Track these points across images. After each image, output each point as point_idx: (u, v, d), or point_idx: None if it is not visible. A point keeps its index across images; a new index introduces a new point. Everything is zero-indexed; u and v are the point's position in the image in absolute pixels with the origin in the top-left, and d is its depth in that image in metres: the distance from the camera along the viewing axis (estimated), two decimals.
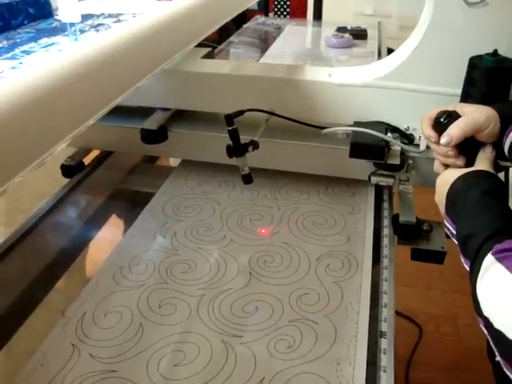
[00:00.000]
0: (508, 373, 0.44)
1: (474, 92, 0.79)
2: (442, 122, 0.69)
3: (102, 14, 1.35)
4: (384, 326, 0.69)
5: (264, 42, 2.04)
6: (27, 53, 0.95)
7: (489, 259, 0.51)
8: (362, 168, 0.92)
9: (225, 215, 0.95)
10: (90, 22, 1.18)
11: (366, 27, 1.89)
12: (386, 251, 0.83)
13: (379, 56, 1.60)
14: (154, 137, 0.99)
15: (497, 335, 0.46)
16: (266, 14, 2.66)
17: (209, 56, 1.09)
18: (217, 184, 1.04)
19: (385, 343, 0.67)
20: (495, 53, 0.77)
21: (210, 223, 0.93)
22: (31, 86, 0.43)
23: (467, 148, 0.68)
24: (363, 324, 0.71)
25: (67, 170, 1.09)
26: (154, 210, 0.97)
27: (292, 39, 1.99)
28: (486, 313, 0.48)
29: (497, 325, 0.46)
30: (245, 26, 2.25)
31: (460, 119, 0.68)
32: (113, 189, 1.14)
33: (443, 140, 0.68)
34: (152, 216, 0.96)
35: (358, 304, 0.74)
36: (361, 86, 0.90)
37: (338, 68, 0.96)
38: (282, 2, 3.20)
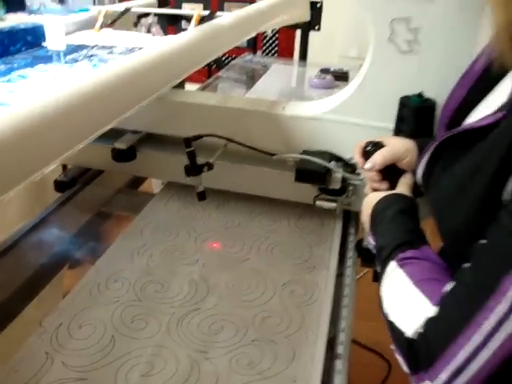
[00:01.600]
0: (398, 358, 0.53)
1: (403, 127, 0.89)
2: (369, 150, 0.80)
3: (96, 45, 1.46)
4: (340, 349, 0.75)
5: (251, 78, 2.15)
6: (23, 77, 1.06)
7: (392, 265, 0.60)
8: (308, 192, 1.01)
9: (199, 241, 1.01)
10: (84, 51, 1.29)
11: (349, 69, 1.98)
12: (347, 280, 0.89)
13: None
14: (124, 156, 1.09)
15: (391, 326, 0.54)
16: (254, 52, 2.78)
17: (178, 86, 1.20)
18: (195, 210, 1.11)
19: (339, 364, 0.73)
20: (420, 94, 0.87)
21: (185, 247, 0.99)
22: (30, 115, 0.51)
23: (390, 174, 0.78)
24: (320, 346, 0.76)
25: (59, 186, 1.18)
26: (133, 232, 1.04)
27: (277, 78, 2.09)
28: (385, 309, 0.57)
29: (391, 317, 0.55)
30: (232, 62, 2.37)
31: (383, 149, 0.78)
32: (97, 209, 1.22)
33: (367, 165, 0.78)
34: (131, 238, 1.02)
35: (318, 328, 0.79)
36: (309, 119, 1.01)
37: (292, 102, 1.06)
38: (270, 41, 3.35)
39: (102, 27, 1.24)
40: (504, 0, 0.47)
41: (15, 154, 0.47)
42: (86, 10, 1.08)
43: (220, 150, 0.99)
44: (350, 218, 1.08)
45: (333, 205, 0.99)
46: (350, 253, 0.96)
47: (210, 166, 0.92)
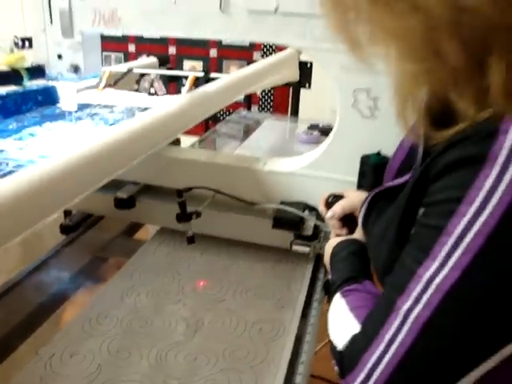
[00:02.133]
0: (335, 368, 0.65)
1: (364, 182, 1.03)
2: (330, 201, 0.94)
3: (99, 104, 1.61)
4: (298, 378, 0.84)
5: (245, 133, 2.29)
6: (32, 135, 1.20)
7: (337, 296, 0.72)
8: (285, 238, 1.13)
9: (182, 283, 1.10)
10: (87, 110, 1.43)
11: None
12: (312, 319, 0.99)
13: None
14: (124, 204, 1.21)
15: (330, 344, 0.66)
16: (249, 108, 2.95)
17: (174, 143, 1.35)
18: (181, 254, 1.21)
19: None
20: (379, 153, 1.01)
21: (169, 288, 1.08)
22: (40, 174, 0.67)
23: (349, 222, 0.92)
24: (280, 377, 0.85)
25: (64, 229, 1.31)
26: (124, 275, 1.13)
27: (268, 133, 2.22)
28: (328, 331, 0.69)
29: (331, 337, 0.66)
30: (228, 117, 2.53)
31: (342, 200, 0.92)
32: (95, 253, 1.32)
33: (328, 215, 0.92)
34: (122, 280, 1.12)
35: (280, 360, 0.89)
36: (286, 174, 1.14)
37: (272, 159, 1.21)
38: (266, 97, 3.53)
39: (105, 87, 1.38)
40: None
41: (29, 203, 0.63)
42: (97, 76, 1.23)
43: (208, 200, 1.13)
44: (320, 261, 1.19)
45: (306, 249, 1.11)
46: (317, 294, 1.06)
47: (198, 214, 1.06)
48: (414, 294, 0.51)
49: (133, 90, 2.16)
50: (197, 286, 1.10)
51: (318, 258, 1.16)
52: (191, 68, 3.45)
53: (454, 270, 0.48)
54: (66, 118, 1.40)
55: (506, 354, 0.50)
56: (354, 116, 1.05)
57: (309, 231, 1.09)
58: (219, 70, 3.45)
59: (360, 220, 0.81)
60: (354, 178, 1.06)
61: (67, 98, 1.27)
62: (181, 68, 3.44)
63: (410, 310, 0.51)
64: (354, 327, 0.61)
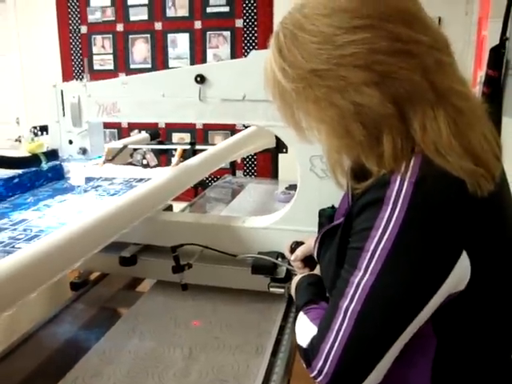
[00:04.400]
0: (302, 362, 0.84)
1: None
2: (293, 247, 1.18)
3: (100, 177, 1.85)
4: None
5: (231, 196, 2.52)
6: (48, 206, 1.42)
7: (300, 314, 0.92)
8: (263, 282, 1.35)
9: (178, 322, 1.32)
10: (91, 183, 1.67)
11: None
12: (283, 345, 1.22)
13: None
14: (128, 261, 1.43)
15: (298, 347, 0.85)
16: (234, 174, 3.19)
17: (167, 209, 1.59)
18: (174, 302, 1.42)
19: None
20: (333, 206, 1.25)
21: (167, 326, 1.30)
22: (58, 241, 0.92)
23: (309, 262, 1.14)
24: (259, 382, 1.08)
25: (74, 286, 1.54)
26: (127, 319, 1.35)
27: (251, 195, 2.44)
28: (297, 341, 0.88)
29: (298, 342, 0.86)
30: (214, 183, 2.77)
31: (302, 246, 1.16)
32: (101, 305, 1.53)
33: (292, 258, 1.15)
34: (126, 321, 1.34)
35: (257, 371, 1.11)
36: (262, 228, 1.38)
37: (250, 217, 1.45)
38: (250, 162, 3.80)
39: (105, 162, 1.61)
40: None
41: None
42: (101, 157, 1.48)
43: (197, 254, 1.36)
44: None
45: (281, 290, 1.34)
46: (289, 324, 1.29)
47: (189, 266, 1.30)
48: (349, 294, 0.74)
49: (127, 162, 2.41)
50: (191, 324, 1.31)
51: (291, 297, 1.38)
52: (179, 140, 3.74)
53: (372, 274, 0.72)
54: (73, 191, 1.63)
55: (415, 326, 0.73)
56: (311, 178, 1.30)
57: (282, 274, 1.32)
58: (205, 140, 3.74)
59: (315, 253, 1.05)
60: (314, 229, 1.28)
61: (76, 175, 1.51)
62: (170, 140, 3.73)
63: (347, 307, 0.74)
64: (313, 331, 0.83)
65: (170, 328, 1.30)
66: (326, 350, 0.75)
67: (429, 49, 0.73)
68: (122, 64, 4.02)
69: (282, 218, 1.37)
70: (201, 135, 3.78)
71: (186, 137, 3.81)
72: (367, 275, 0.73)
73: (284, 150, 2.68)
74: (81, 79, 1.44)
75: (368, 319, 0.73)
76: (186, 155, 2.29)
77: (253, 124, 1.33)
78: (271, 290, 1.34)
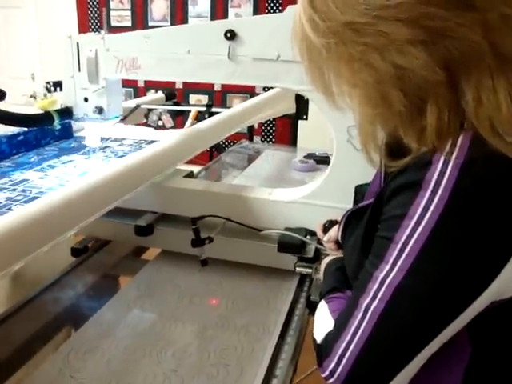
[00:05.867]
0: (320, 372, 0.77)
1: None
2: (327, 226, 1.07)
3: (110, 137, 1.75)
4: (278, 371, 0.98)
5: (246, 162, 2.44)
6: (51, 167, 1.33)
7: (322, 303, 0.84)
8: (289, 260, 1.26)
9: (181, 295, 1.23)
10: (99, 144, 1.55)
11: (331, 154, 2.25)
12: (292, 328, 1.12)
13: None
14: (143, 231, 1.33)
15: (314, 342, 0.77)
16: (251, 139, 3.09)
17: (189, 176, 1.48)
18: (180, 273, 1.33)
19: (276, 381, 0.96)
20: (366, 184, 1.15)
21: (170, 299, 1.22)
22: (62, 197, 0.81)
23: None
24: (263, 368, 0.99)
25: (75, 252, 1.44)
26: (128, 290, 1.26)
27: (267, 162, 2.34)
28: (314, 333, 0.81)
29: (314, 334, 0.77)
30: (230, 148, 2.68)
31: (336, 225, 1.05)
32: (104, 272, 1.44)
33: (324, 238, 1.05)
34: (128, 291, 1.25)
35: (263, 355, 1.03)
36: (289, 202, 1.28)
37: (275, 189, 1.34)
38: (268, 128, 3.68)
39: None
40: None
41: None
42: (118, 117, 1.37)
43: (219, 227, 1.26)
44: (305, 279, 1.30)
45: (309, 270, 1.24)
46: (300, 304, 1.20)
47: (210, 240, 1.20)
48: (372, 291, 0.64)
49: (142, 123, 2.31)
50: (194, 299, 1.23)
51: (302, 276, 1.30)
52: (196, 101, 3.61)
53: (400, 271, 0.61)
54: (80, 151, 1.53)
55: (447, 336, 0.63)
56: (348, 150, 1.19)
57: (310, 254, 1.22)
58: (223, 103, 3.61)
59: (339, 235, 0.95)
60: (349, 205, 1.18)
61: (90, 135, 1.41)
62: (187, 102, 3.61)
63: (368, 305, 0.64)
64: (330, 325, 0.74)
65: (172, 302, 1.21)
66: (341, 351, 0.66)
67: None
68: (140, 21, 3.87)
69: (312, 192, 1.26)
70: (219, 98, 3.65)
71: (204, 99, 3.68)
72: (394, 271, 0.62)
73: (304, 117, 2.58)
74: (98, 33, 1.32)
75: (392, 320, 0.63)
76: (200, 117, 2.19)
77: (286, 87, 1.20)
78: (297, 269, 1.25)
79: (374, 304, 0.63)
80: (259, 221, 1.30)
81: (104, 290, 1.38)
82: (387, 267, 0.63)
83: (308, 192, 1.27)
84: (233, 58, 1.18)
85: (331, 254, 1.06)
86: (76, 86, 1.33)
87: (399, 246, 0.62)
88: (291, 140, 2.73)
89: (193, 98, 3.67)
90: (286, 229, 1.26)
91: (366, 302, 0.64)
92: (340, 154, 1.21)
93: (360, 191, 1.15)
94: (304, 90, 1.18)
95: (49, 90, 1.31)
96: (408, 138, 0.64)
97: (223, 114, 1.55)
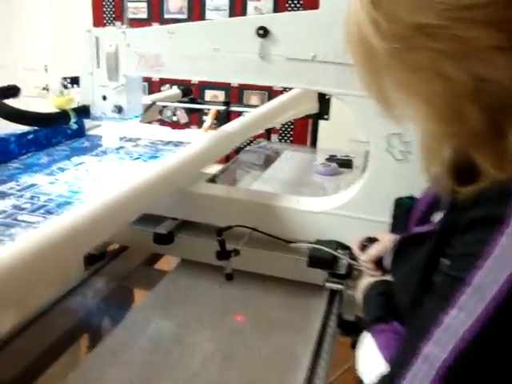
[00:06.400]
0: None
1: (397, 224, 1.07)
2: (365, 244, 0.98)
3: (124, 137, 1.67)
4: None
5: (265, 163, 2.35)
6: (62, 170, 1.25)
7: (366, 335, 0.76)
8: (319, 274, 1.17)
9: (201, 314, 1.14)
10: (117, 144, 1.47)
11: (354, 157, 2.17)
12: (324, 358, 1.02)
13: None
14: (164, 239, 1.25)
15: (359, 382, 0.71)
16: (269, 138, 2.99)
17: (212, 180, 1.40)
18: (201, 287, 1.24)
19: None
20: (411, 197, 1.05)
21: (188, 320, 1.12)
22: (83, 214, 0.73)
23: (382, 264, 0.96)
24: None
25: (92, 258, 1.36)
26: (146, 305, 1.18)
27: (287, 164, 2.24)
28: (358, 369, 0.73)
29: (360, 374, 0.71)
30: (248, 148, 2.59)
31: (377, 244, 0.97)
32: (119, 282, 1.37)
33: (363, 257, 0.96)
34: (144, 310, 1.16)
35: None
36: (320, 213, 1.19)
37: (305, 198, 1.25)
38: (286, 127, 3.59)
39: None
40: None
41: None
42: (137, 117, 1.29)
43: (245, 237, 1.17)
44: (335, 295, 1.21)
45: (339, 286, 1.16)
46: (331, 328, 1.10)
47: (237, 253, 1.11)
48: (435, 338, 0.55)
49: (156, 119, 2.23)
50: (215, 319, 1.13)
51: (333, 292, 1.20)
52: (213, 97, 3.52)
53: (478, 320, 0.52)
54: (92, 152, 1.45)
55: None
56: (387, 159, 1.10)
57: (342, 270, 1.13)
58: (240, 100, 3.51)
59: (388, 263, 0.87)
60: (385, 219, 1.09)
61: (109, 137, 1.33)
62: (202, 97, 3.51)
63: (432, 354, 0.54)
64: (381, 366, 0.66)
65: (190, 322, 1.12)
66: None
67: None
68: (157, 13, 3.77)
69: (345, 203, 1.18)
70: (235, 94, 3.55)
71: (220, 95, 3.58)
72: (468, 319, 0.52)
73: (325, 117, 2.49)
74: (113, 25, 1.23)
75: (463, 376, 0.54)
76: (220, 117, 2.10)
77: (321, 90, 1.11)
78: (327, 285, 1.16)
79: (440, 354, 0.54)
80: (287, 231, 1.22)
81: (118, 303, 1.32)
82: (459, 313, 0.54)
83: (341, 203, 1.18)
84: (264, 58, 1.09)
85: (369, 275, 0.98)
86: (94, 83, 1.24)
87: (472, 289, 0.53)
88: (311, 140, 2.63)
89: (209, 94, 3.58)
90: (317, 241, 1.18)
91: (429, 350, 0.55)
92: (377, 163, 1.12)
93: (401, 205, 1.06)
94: (341, 94, 1.09)
95: (65, 87, 1.22)
96: (482, 161, 0.55)
97: (249, 116, 1.47)
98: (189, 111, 2.33)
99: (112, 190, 0.89)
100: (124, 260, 1.43)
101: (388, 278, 0.91)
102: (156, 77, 1.22)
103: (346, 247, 1.16)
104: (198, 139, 1.25)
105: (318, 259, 1.13)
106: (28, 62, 4.52)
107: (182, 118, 2.22)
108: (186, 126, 3.65)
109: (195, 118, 3.86)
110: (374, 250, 0.96)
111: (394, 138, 1.08)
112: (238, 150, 2.75)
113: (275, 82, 1.14)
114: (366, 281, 0.92)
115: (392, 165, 1.09)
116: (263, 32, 1.06)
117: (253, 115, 1.49)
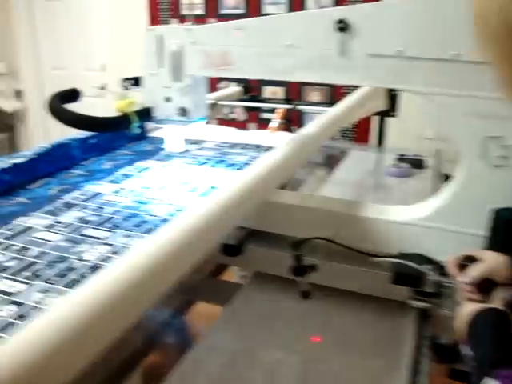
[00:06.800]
0: None
1: (495, 238, 0.95)
2: (464, 264, 0.86)
3: (189, 139, 1.60)
4: None
5: (328, 163, 2.25)
6: (126, 177, 1.19)
7: (488, 380, 0.65)
8: (402, 291, 1.06)
9: (280, 335, 1.04)
10: (183, 149, 1.41)
11: (424, 156, 2.04)
12: (421, 379, 0.91)
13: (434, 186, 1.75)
14: (233, 251, 1.16)
15: None
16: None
17: (282, 187, 1.30)
18: (277, 303, 1.14)
19: None
20: (510, 208, 0.93)
21: (267, 343, 1.02)
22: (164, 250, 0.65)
23: (483, 286, 0.84)
24: None
25: None
26: (220, 326, 1.08)
27: (355, 165, 2.14)
28: None
29: None
30: None
31: (480, 264, 0.85)
32: (185, 294, 1.28)
33: (464, 279, 0.84)
34: (218, 332, 1.07)
35: None
36: (405, 224, 1.08)
37: (387, 206, 1.14)
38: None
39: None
40: None
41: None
42: (204, 119, 1.21)
43: (322, 250, 1.08)
44: (426, 316, 1.09)
45: (426, 305, 1.04)
46: (425, 357, 0.98)
47: (314, 268, 1.01)
48: None
49: (215, 118, 2.14)
50: (293, 342, 1.02)
51: (423, 312, 1.09)
52: (272, 94, 3.42)
53: None
54: (156, 156, 1.38)
55: None
56: (481, 165, 0.98)
57: (430, 288, 1.02)
58: (300, 96, 3.40)
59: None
60: (478, 232, 0.98)
61: (171, 140, 1.25)
62: (261, 94, 3.41)
63: None
64: None
65: (265, 341, 1.02)
66: None
67: None
68: (213, 9, 3.69)
69: (433, 213, 1.06)
70: (295, 90, 3.43)
71: (280, 91, 3.47)
72: None
73: (393, 114, 2.36)
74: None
75: None
76: (287, 116, 2.01)
77: (409, 89, 0.99)
78: (412, 303, 1.05)
79: None
80: (366, 243, 1.11)
81: (182, 315, 1.25)
82: None
83: (428, 212, 1.06)
84: (344, 54, 0.99)
85: (465, 297, 0.86)
86: (157, 84, 1.16)
87: None
88: (378, 139, 2.49)
89: (267, 90, 3.47)
90: (400, 255, 1.07)
91: None
92: (469, 169, 1.00)
93: (502, 217, 0.94)
94: (430, 93, 0.97)
95: (126, 88, 1.15)
96: None
97: (325, 116, 1.37)
98: (247, 108, 2.24)
99: (199, 208, 0.80)
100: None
101: (496, 305, 0.80)
102: (223, 76, 1.13)
103: (432, 262, 1.05)
104: (277, 144, 1.15)
105: (403, 276, 1.02)
106: (86, 62, 4.54)
107: (241, 115, 2.13)
108: (245, 123, 3.57)
109: (254, 115, 3.78)
110: (475, 271, 0.84)
111: (491, 142, 0.95)
112: None
113: (355, 81, 1.04)
114: (470, 307, 0.81)
115: (487, 171, 0.97)
116: (343, 25, 0.96)
117: (329, 116, 1.38)
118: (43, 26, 4.66)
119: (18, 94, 4.91)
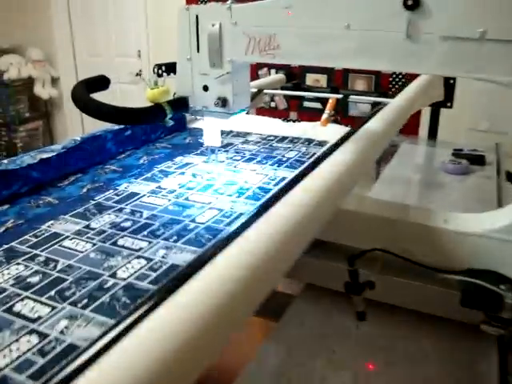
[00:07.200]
0: None
1: None
2: None
3: (231, 131, 1.48)
4: None
5: (379, 158, 2.11)
6: (165, 174, 1.07)
7: None
8: (472, 313, 0.92)
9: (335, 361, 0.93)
10: (219, 143, 1.28)
11: (483, 151, 1.88)
12: None
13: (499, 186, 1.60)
14: None
15: None
16: None
17: None
18: (330, 324, 1.02)
19: None
20: None
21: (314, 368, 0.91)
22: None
23: None
24: None
25: None
26: (269, 347, 0.99)
27: (407, 160, 2.02)
28: None
29: None
30: None
31: None
32: None
33: None
34: (267, 355, 0.97)
35: None
36: (475, 236, 0.93)
37: (453, 214, 0.99)
38: None
39: None
40: None
41: None
42: (244, 111, 1.08)
43: (379, 263, 0.94)
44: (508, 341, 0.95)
45: (500, 331, 0.90)
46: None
47: (372, 286, 0.87)
48: None
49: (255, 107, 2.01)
50: (348, 366, 0.90)
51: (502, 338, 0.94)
52: (314, 82, 3.26)
53: None
54: (196, 150, 1.26)
55: None
56: None
57: (508, 313, 0.87)
58: (344, 84, 3.24)
59: None
60: None
61: (210, 133, 1.13)
62: (303, 81, 3.26)
63: None
64: None
65: (317, 365, 0.90)
66: None
67: None
68: None
69: (509, 224, 0.91)
70: (339, 77, 3.27)
71: (322, 78, 3.31)
72: None
73: (449, 105, 2.20)
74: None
75: None
76: (337, 107, 1.86)
77: (491, 79, 0.84)
78: (484, 327, 0.91)
79: None
80: (430, 256, 0.96)
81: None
82: None
83: (502, 223, 0.91)
84: (413, 37, 0.84)
85: None
86: (193, 70, 1.04)
87: None
88: (430, 132, 2.33)
89: (310, 78, 3.31)
90: (469, 271, 0.92)
91: None
92: None
93: None
94: None
95: (159, 75, 1.03)
96: None
97: (389, 108, 1.22)
98: (288, 96, 2.13)
99: (269, 223, 0.65)
100: None
101: None
102: (268, 62, 0.99)
103: (509, 280, 0.90)
104: (330, 139, 1.01)
105: (474, 298, 0.88)
106: (122, 48, 4.46)
107: (281, 103, 2.00)
108: (286, 112, 3.43)
109: (294, 103, 3.63)
110: None
111: None
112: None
113: (423, 69, 0.89)
114: None
115: None
116: (413, 3, 0.81)
117: (394, 108, 1.24)
118: (79, 13, 4.61)
119: (54, 81, 4.88)
